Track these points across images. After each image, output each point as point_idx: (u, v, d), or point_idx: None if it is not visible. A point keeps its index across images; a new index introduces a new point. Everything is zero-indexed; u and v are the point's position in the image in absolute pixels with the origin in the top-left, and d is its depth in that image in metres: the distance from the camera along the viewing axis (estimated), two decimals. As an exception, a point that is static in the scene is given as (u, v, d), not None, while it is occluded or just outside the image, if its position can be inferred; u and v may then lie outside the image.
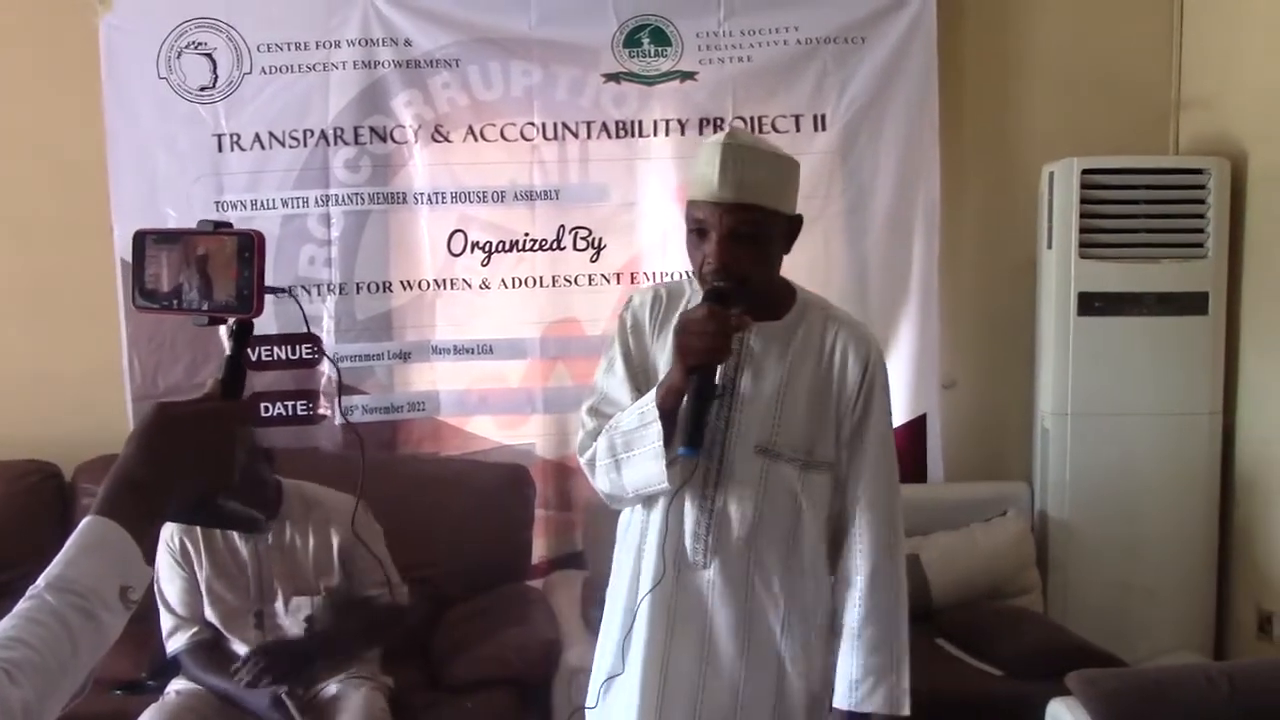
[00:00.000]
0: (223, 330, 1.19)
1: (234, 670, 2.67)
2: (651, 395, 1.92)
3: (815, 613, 2.03)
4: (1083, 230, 3.76)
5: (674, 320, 2.00)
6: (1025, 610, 3.65)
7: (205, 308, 1.15)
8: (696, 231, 1.94)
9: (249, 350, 1.22)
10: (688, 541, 1.98)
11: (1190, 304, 3.77)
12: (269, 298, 1.16)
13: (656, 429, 1.89)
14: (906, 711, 2.02)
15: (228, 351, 1.19)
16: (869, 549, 2.01)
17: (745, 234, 1.90)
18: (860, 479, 2.02)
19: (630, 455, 1.93)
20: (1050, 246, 3.84)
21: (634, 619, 2.00)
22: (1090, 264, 3.76)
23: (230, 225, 1.16)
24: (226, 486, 1.13)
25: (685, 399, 1.89)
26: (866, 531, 2.01)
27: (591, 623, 2.97)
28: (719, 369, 1.91)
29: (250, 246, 1.14)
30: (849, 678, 2.00)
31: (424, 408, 3.89)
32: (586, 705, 2.11)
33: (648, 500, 2.00)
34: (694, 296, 2.04)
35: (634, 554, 2.03)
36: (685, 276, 2.13)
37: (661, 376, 1.96)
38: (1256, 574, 3.75)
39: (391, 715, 2.78)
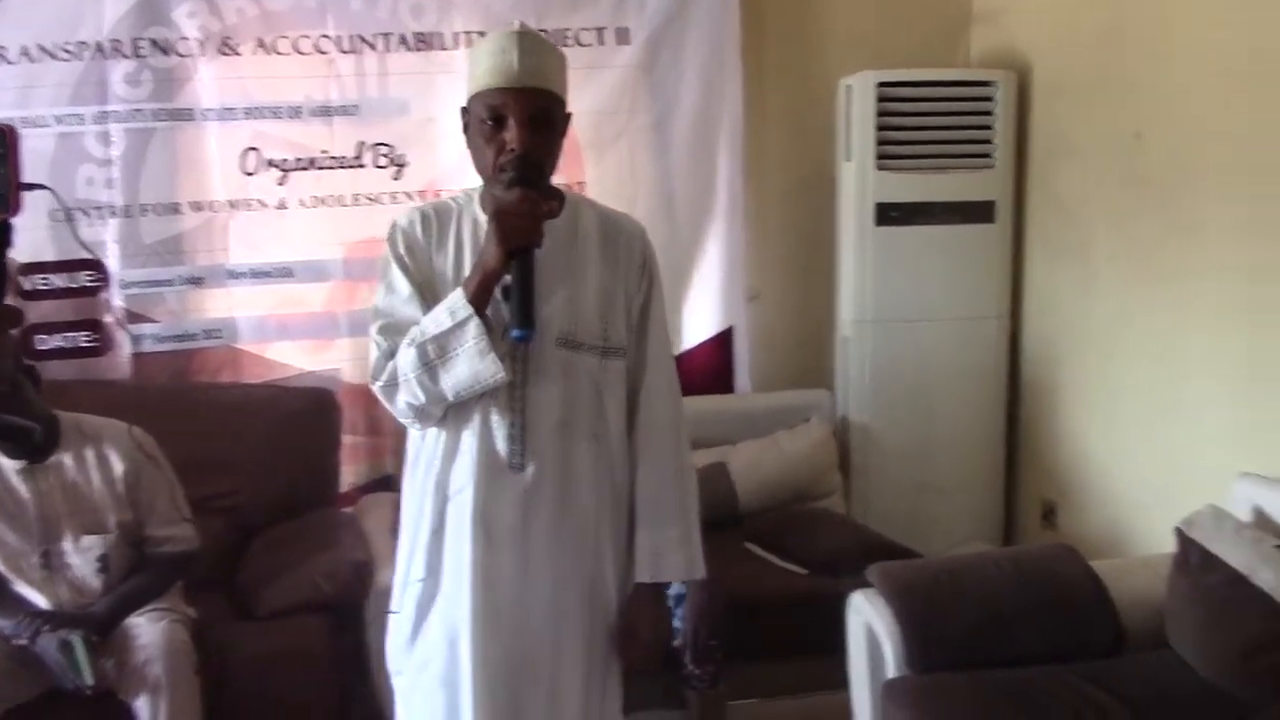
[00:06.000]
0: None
1: (11, 635, 2.56)
2: (458, 294, 1.90)
3: (625, 495, 2.08)
4: (879, 143, 3.85)
5: (451, 234, 2.01)
6: (828, 511, 3.79)
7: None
8: (492, 121, 1.93)
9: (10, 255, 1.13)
10: (500, 445, 1.97)
11: (979, 213, 3.92)
12: (43, 209, 1.07)
13: (475, 324, 1.87)
14: (703, 574, 2.12)
15: None
16: (660, 426, 2.07)
17: (541, 120, 1.93)
18: (647, 361, 2.07)
19: (448, 358, 1.89)
20: (849, 159, 3.92)
21: (443, 523, 1.99)
22: (886, 175, 3.86)
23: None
24: None
25: (504, 286, 1.90)
26: (656, 410, 2.07)
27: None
28: (535, 254, 1.91)
29: (2, 142, 1.05)
30: (648, 550, 2.06)
31: (221, 335, 3.74)
32: (390, 609, 2.10)
33: (451, 412, 1.97)
34: (464, 212, 2.03)
35: (439, 468, 2.00)
36: (452, 200, 2.10)
37: (450, 288, 1.94)
38: (1040, 468, 3.97)
39: (195, 648, 2.70)
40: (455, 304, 1.90)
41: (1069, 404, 3.81)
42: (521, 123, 1.91)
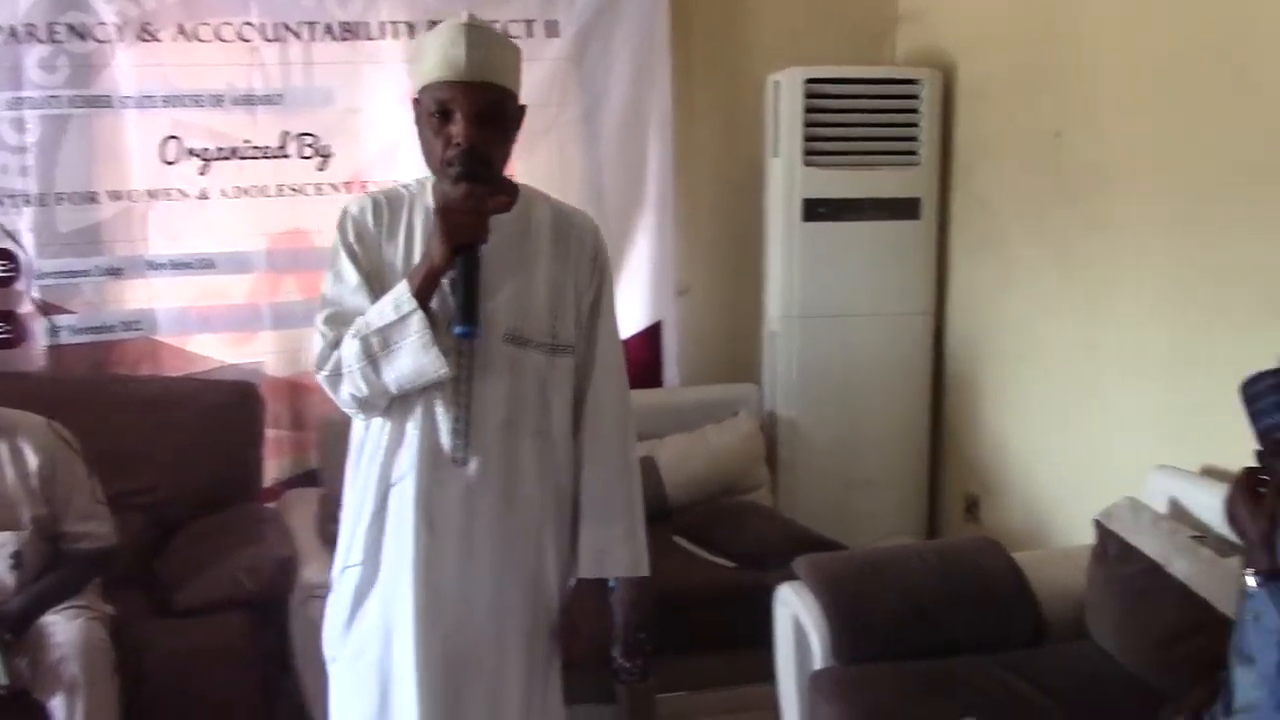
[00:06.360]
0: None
1: None
2: (403, 287, 1.88)
3: (570, 492, 2.08)
4: (807, 139, 3.87)
5: (402, 223, 1.99)
6: (755, 505, 3.82)
7: None
8: (440, 114, 1.91)
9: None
10: (444, 438, 1.95)
11: (904, 209, 3.97)
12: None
13: (419, 318, 1.86)
14: (647, 572, 2.12)
15: None
16: (607, 424, 2.07)
17: (490, 114, 1.90)
18: (596, 359, 2.07)
19: (391, 351, 1.88)
20: (777, 154, 3.95)
21: (385, 511, 1.97)
22: (814, 171, 3.89)
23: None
24: None
25: (451, 280, 1.88)
26: (604, 407, 2.07)
27: (329, 537, 2.90)
28: (480, 250, 1.90)
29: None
30: (592, 546, 2.06)
31: (140, 327, 3.65)
32: (329, 594, 2.08)
33: (394, 404, 1.96)
34: (415, 201, 2.01)
35: (382, 459, 1.98)
36: (403, 187, 2.08)
37: (399, 278, 1.92)
38: (963, 462, 4.03)
39: (113, 646, 2.64)
40: (400, 297, 1.88)
41: (991, 399, 3.87)
42: (469, 117, 1.88)
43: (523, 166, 3.86)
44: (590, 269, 2.07)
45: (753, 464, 3.93)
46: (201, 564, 3.02)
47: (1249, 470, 2.08)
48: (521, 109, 1.99)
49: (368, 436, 2.02)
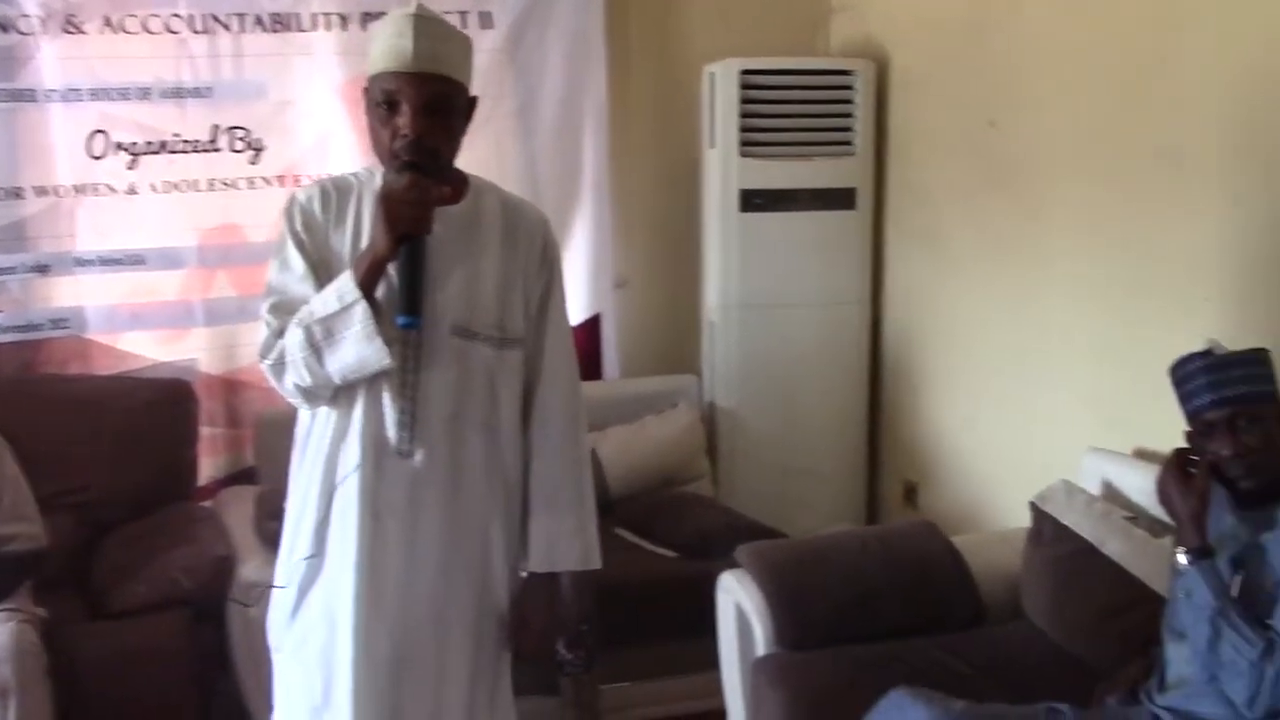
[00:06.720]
0: None
1: None
2: (346, 277, 1.87)
3: (517, 486, 2.07)
4: (743, 130, 3.89)
5: (350, 212, 1.98)
6: (696, 495, 3.83)
7: None
8: (386, 105, 1.89)
9: None
10: (390, 430, 1.94)
11: (840, 199, 3.99)
12: None
13: (362, 309, 1.85)
14: (599, 565, 2.13)
15: None
16: (557, 417, 2.06)
17: (437, 106, 1.89)
18: (545, 351, 2.06)
19: (334, 341, 1.87)
20: (713, 146, 3.96)
21: (330, 504, 1.96)
22: (750, 162, 3.90)
23: None
24: None
25: (395, 271, 1.87)
26: (554, 400, 2.06)
27: (267, 535, 2.87)
28: (424, 241, 1.88)
29: None
30: (543, 540, 2.05)
31: (69, 325, 3.58)
32: (276, 584, 2.06)
33: (339, 394, 1.95)
34: (364, 189, 2.00)
35: (328, 450, 1.96)
36: (353, 175, 2.06)
37: (346, 267, 1.90)
38: (901, 449, 4.07)
39: (45, 649, 2.59)
40: (343, 287, 1.87)
41: (928, 386, 3.91)
42: (415, 109, 1.87)
43: (458, 160, 3.84)
44: (539, 262, 2.06)
45: (693, 455, 3.95)
46: (136, 565, 2.97)
47: (1179, 451, 2.13)
48: (472, 101, 1.99)
49: (314, 427, 2.01)
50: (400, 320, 1.87)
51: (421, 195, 1.85)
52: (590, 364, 4.06)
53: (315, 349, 1.88)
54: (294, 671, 2.03)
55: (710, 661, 2.89)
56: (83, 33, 3.49)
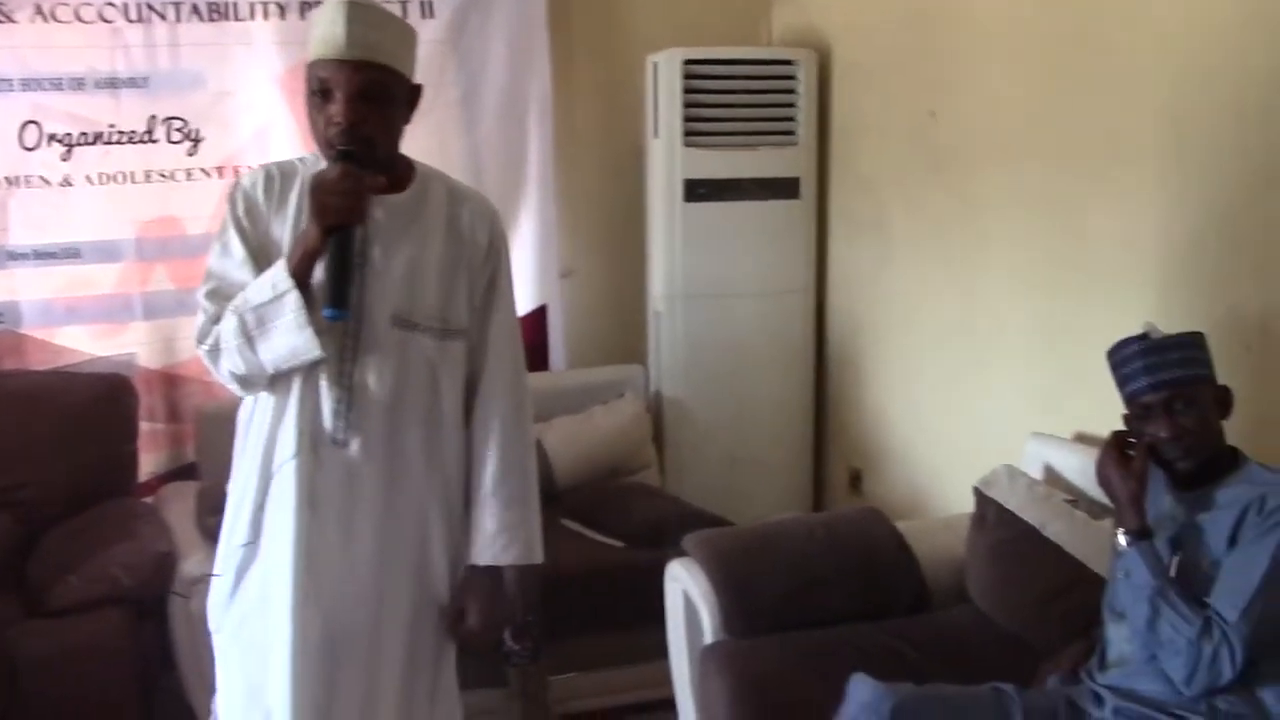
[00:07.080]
0: None
1: None
2: (280, 266, 1.86)
3: (458, 479, 2.06)
4: (686, 119, 3.89)
5: (293, 198, 1.96)
6: (643, 485, 3.84)
7: None
8: (320, 93, 1.87)
9: None
10: (326, 419, 1.93)
11: (784, 189, 4.00)
12: None
13: (294, 298, 1.83)
14: (541, 559, 2.11)
15: None
16: (501, 409, 2.05)
17: (373, 94, 1.87)
18: (489, 342, 2.05)
19: (266, 329, 1.86)
20: (657, 135, 3.96)
21: (268, 490, 1.94)
22: (694, 152, 3.91)
23: None
24: None
25: (324, 262, 1.85)
26: (498, 393, 2.05)
27: (208, 530, 2.83)
28: (356, 232, 1.87)
29: None
30: (486, 533, 2.04)
31: (2, 320, 3.51)
32: (214, 572, 2.04)
33: (277, 381, 1.93)
34: (309, 174, 1.96)
35: (266, 436, 1.95)
36: (299, 160, 2.04)
37: (285, 253, 1.89)
38: (846, 437, 4.10)
39: (-18, 650, 2.55)
40: (277, 275, 1.86)
41: (872, 374, 3.94)
42: (348, 97, 1.85)
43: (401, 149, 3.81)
44: (485, 252, 2.04)
45: (640, 445, 3.95)
46: (75, 562, 2.92)
47: (1117, 434, 2.16)
48: (415, 89, 1.97)
49: (254, 414, 2.00)
50: (326, 313, 1.86)
51: (354, 185, 1.84)
52: (536, 354, 4.05)
53: (248, 337, 1.87)
54: (233, 653, 2.03)
55: (659, 651, 2.89)
56: (13, 21, 3.42)
